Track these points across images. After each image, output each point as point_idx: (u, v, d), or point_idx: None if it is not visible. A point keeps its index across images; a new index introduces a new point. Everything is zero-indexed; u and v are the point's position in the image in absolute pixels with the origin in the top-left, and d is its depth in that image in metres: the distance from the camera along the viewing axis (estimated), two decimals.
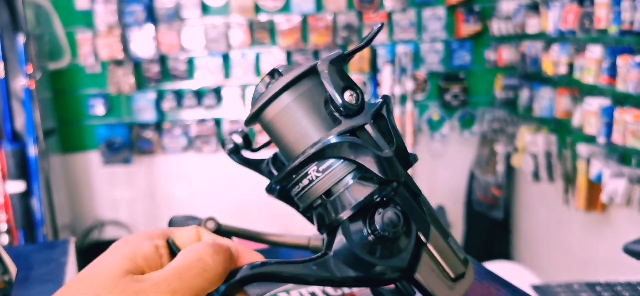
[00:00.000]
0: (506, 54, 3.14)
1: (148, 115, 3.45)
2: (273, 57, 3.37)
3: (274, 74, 0.49)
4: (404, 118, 3.18)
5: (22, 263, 0.65)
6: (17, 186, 2.70)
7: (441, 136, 3.46)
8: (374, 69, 3.35)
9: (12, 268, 0.60)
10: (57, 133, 3.35)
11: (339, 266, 0.46)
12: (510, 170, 3.22)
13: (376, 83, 3.31)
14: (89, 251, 3.40)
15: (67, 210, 3.37)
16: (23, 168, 2.71)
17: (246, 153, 0.55)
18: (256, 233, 0.70)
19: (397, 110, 3.16)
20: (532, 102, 2.86)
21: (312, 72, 0.48)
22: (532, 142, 2.79)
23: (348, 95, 0.47)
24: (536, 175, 2.78)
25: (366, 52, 3.34)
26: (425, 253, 0.48)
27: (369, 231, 0.46)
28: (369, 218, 0.46)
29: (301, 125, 0.47)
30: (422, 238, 0.48)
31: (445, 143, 3.48)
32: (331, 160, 0.46)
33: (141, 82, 3.41)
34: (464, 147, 3.48)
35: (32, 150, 2.72)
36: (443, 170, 3.51)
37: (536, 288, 0.83)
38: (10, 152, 2.63)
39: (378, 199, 0.46)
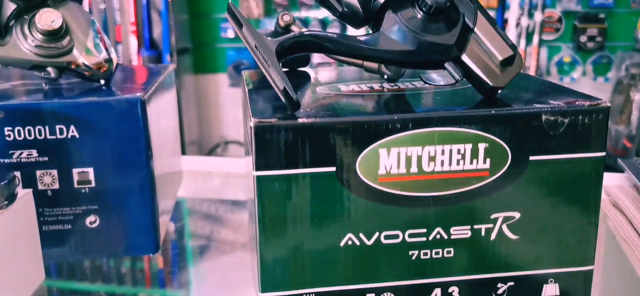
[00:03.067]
0: None
1: None
2: None
3: None
4: (528, 57, 3.02)
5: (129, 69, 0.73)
6: None
7: (571, 80, 3.25)
8: (503, 6, 3.20)
9: (114, 57, 0.67)
10: (191, 54, 3.57)
11: (388, 41, 0.48)
12: None
13: (503, 21, 3.16)
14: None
15: (195, 127, 3.61)
16: None
17: None
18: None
19: (522, 44, 3.00)
20: None
21: None
22: None
23: None
24: None
25: None
26: (473, 38, 0.49)
27: (418, 7, 0.48)
28: None
29: None
30: (469, 24, 0.49)
31: (575, 88, 3.26)
32: None
33: (270, 9, 3.52)
34: (595, 94, 3.23)
35: (167, 59, 2.94)
36: None
37: (622, 159, 0.79)
38: (147, 57, 2.87)
39: None
